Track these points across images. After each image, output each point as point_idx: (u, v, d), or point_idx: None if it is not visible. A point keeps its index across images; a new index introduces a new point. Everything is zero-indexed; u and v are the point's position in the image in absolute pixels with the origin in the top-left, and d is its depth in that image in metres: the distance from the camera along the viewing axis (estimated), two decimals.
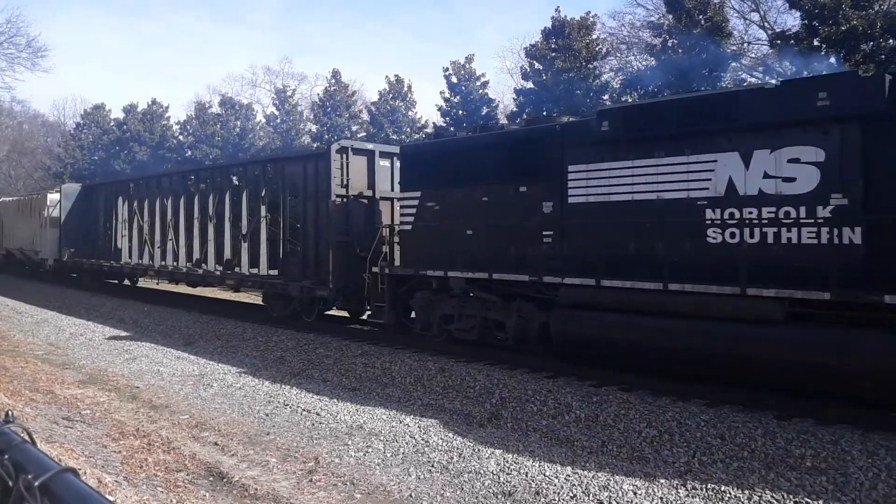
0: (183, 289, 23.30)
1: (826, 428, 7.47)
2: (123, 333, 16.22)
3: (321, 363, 12.29)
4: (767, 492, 6.32)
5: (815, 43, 20.32)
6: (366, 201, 15.20)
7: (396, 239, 13.75)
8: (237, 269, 17.57)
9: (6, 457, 1.68)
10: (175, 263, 20.32)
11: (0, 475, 1.65)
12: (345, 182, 14.79)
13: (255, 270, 17.04)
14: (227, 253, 18.27)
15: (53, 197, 26.82)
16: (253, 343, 14.30)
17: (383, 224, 14.45)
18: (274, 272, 16.62)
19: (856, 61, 19.10)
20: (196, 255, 19.43)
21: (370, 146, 15.86)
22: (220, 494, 6.67)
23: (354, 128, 36.80)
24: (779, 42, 21.77)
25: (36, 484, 1.51)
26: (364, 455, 7.80)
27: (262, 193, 17.07)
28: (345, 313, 16.47)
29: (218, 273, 18.45)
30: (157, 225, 21.32)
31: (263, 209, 16.94)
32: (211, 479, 7.11)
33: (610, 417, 8.44)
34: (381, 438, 8.30)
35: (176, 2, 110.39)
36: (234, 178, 18.85)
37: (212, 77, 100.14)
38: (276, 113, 40.56)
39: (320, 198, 15.20)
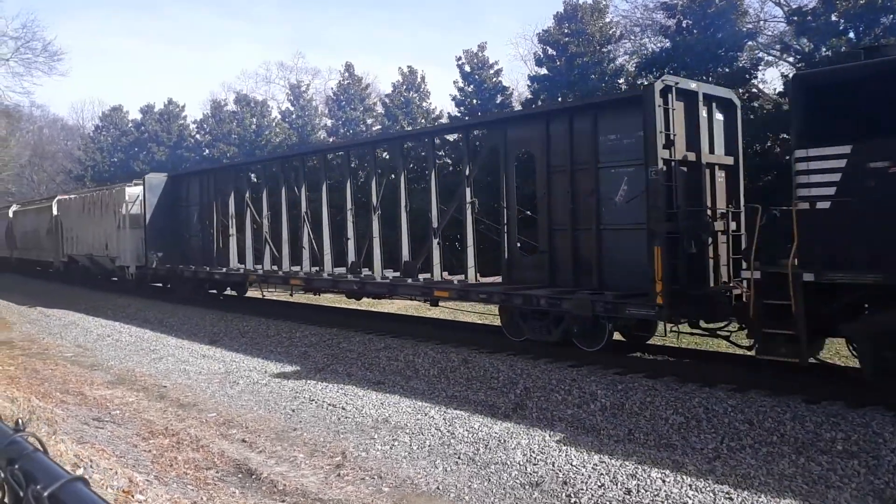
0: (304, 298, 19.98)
1: (856, 411, 7.38)
2: (149, 333, 16.41)
3: (345, 357, 12.35)
4: (798, 477, 6.27)
5: (833, 18, 19.95)
6: (685, 169, 10.15)
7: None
8: (428, 276, 13.55)
9: (17, 466, 1.69)
10: (315, 269, 16.55)
11: (11, 485, 1.67)
12: (671, 139, 9.91)
13: (450, 276, 13.85)
14: (405, 253, 14.28)
15: (133, 191, 22.80)
16: (277, 339, 14.40)
17: (742, 205, 10.43)
18: (492, 279, 13.18)
19: (875, 35, 18.74)
20: (351, 256, 15.50)
21: (693, 85, 10.60)
22: (250, 491, 6.74)
23: (370, 120, 36.78)
24: (795, 19, 21.39)
25: (45, 494, 1.52)
26: (390, 448, 7.84)
27: (467, 171, 13.04)
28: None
29: (389, 280, 14.25)
30: (285, 220, 17.33)
31: (468, 192, 12.93)
32: (240, 475, 7.19)
33: (636, 405, 8.41)
34: (407, 431, 8.34)
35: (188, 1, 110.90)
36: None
37: (227, 75, 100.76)
38: (292, 108, 40.62)
39: (583, 170, 10.88)
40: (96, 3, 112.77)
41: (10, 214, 37.29)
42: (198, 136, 45.66)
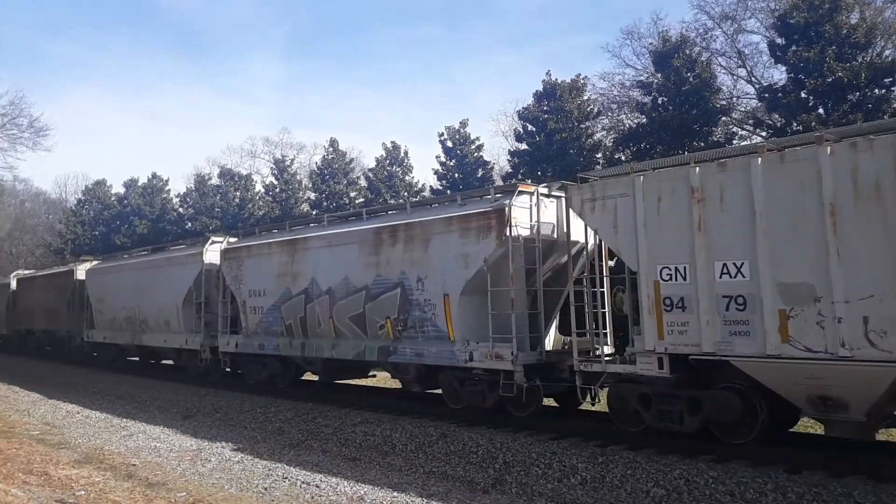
0: None
1: (838, 480, 7.25)
2: (120, 409, 15.97)
3: (320, 433, 12.04)
4: None
5: (803, 95, 20.69)
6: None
7: None
8: None
9: None
10: None
11: None
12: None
13: None
14: None
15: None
16: (251, 415, 14.05)
17: None
18: None
19: (843, 111, 19.41)
20: None
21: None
22: None
23: (353, 193, 37.17)
24: (766, 96, 22.16)
25: None
26: None
27: None
28: None
29: None
30: None
31: None
32: None
33: (616, 478, 8.20)
34: None
35: (177, 78, 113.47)
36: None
37: (212, 149, 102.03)
38: (275, 182, 41.02)
39: None
40: (90, 82, 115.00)
41: None
42: (181, 209, 45.80)
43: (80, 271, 25.89)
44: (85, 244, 47.38)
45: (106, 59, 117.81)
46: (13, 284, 34.00)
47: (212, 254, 18.31)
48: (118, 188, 51.68)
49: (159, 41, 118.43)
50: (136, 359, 23.56)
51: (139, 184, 49.36)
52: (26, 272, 35.99)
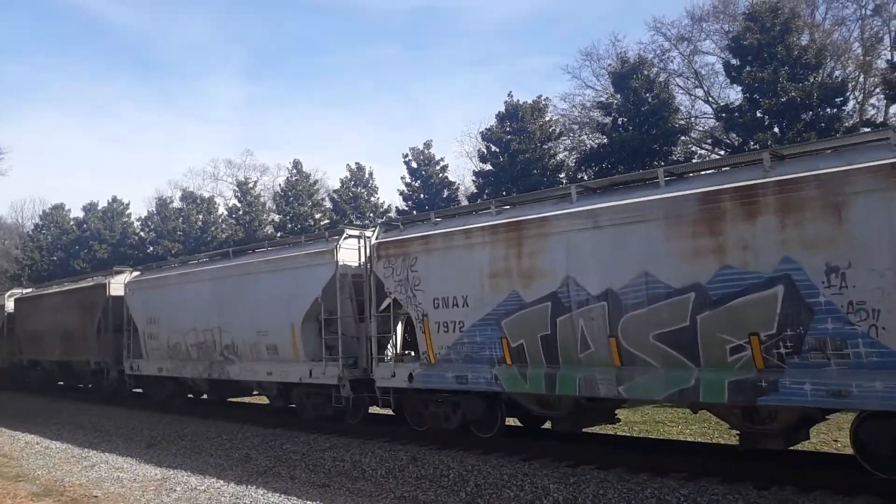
0: None
1: (807, 495, 7.37)
2: (82, 439, 15.55)
3: (288, 459, 11.86)
4: None
5: (759, 115, 21.25)
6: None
7: None
8: None
9: None
10: None
11: None
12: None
13: None
14: None
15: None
16: (217, 441, 13.80)
17: None
18: None
19: (798, 130, 19.98)
20: None
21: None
22: None
23: (318, 215, 36.98)
24: (723, 115, 22.71)
25: None
26: None
27: None
28: None
29: None
30: None
31: None
32: None
33: (588, 498, 8.22)
34: None
35: (135, 100, 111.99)
36: None
37: (173, 172, 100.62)
38: (238, 205, 40.64)
39: None
40: (47, 105, 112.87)
41: None
42: (142, 233, 45.06)
43: (116, 285, 20.82)
44: (43, 270, 46.27)
45: (60, 81, 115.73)
46: (9, 306, 27.86)
47: (347, 251, 13.63)
48: (77, 212, 50.70)
49: (115, 63, 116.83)
50: (206, 397, 18.93)
51: (99, 207, 48.46)
52: (26, 290, 29.76)
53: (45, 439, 15.94)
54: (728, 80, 23.97)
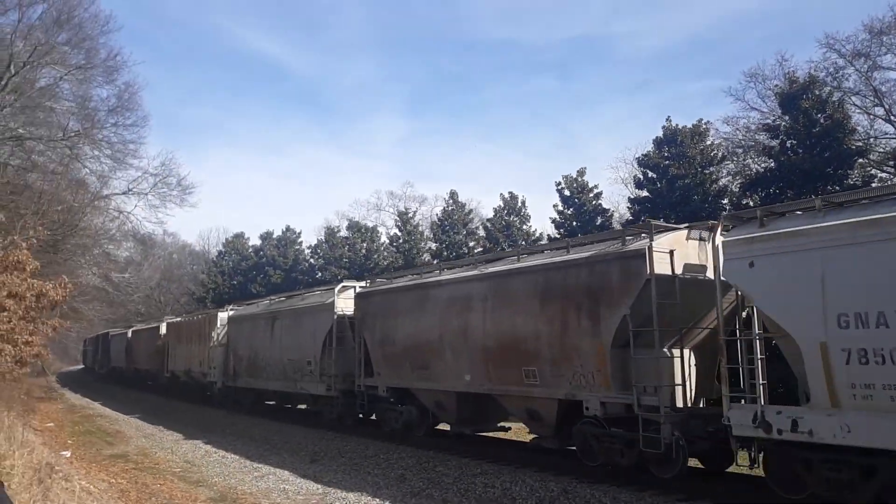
0: None
1: None
2: (253, 451, 16.79)
3: (440, 482, 12.15)
4: None
5: None
6: None
7: None
8: None
9: None
10: None
11: None
12: None
13: None
14: None
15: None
16: (374, 461, 14.39)
17: None
18: None
19: None
20: None
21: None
22: None
23: (472, 243, 37.69)
24: None
25: None
26: None
27: None
28: None
29: None
30: None
31: None
32: None
33: None
34: None
35: (307, 140, 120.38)
36: None
37: (340, 203, 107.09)
38: (399, 234, 42.31)
39: None
40: (227, 143, 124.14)
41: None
42: (311, 259, 48.06)
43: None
44: (224, 293, 50.53)
45: (241, 122, 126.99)
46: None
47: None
48: (255, 240, 55.11)
49: (289, 104, 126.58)
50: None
51: (273, 236, 52.38)
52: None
53: (220, 449, 17.38)
54: None
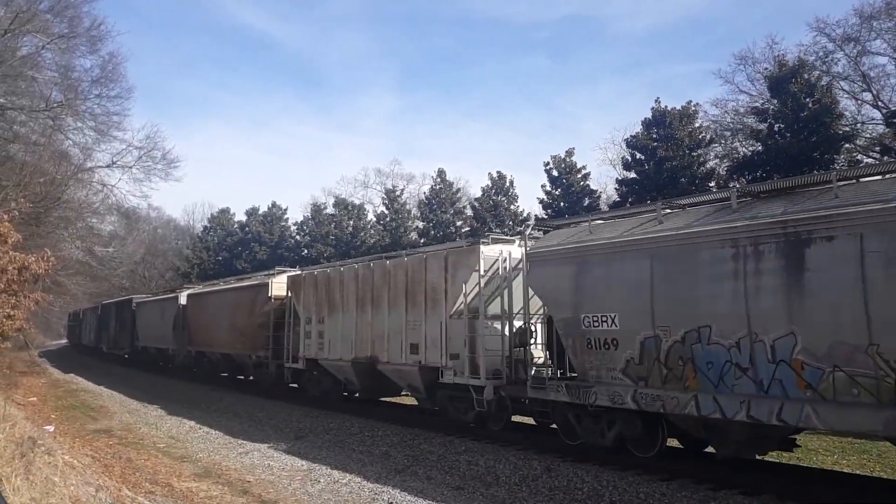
0: None
1: None
2: (238, 427, 16.78)
3: (425, 459, 12.21)
4: None
5: None
6: None
7: None
8: None
9: None
10: None
11: None
12: None
13: None
14: None
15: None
16: (359, 438, 14.43)
17: None
18: None
19: None
20: None
21: None
22: None
23: (459, 223, 37.69)
24: (895, 121, 20.86)
25: None
26: None
27: None
28: None
29: None
30: None
31: None
32: None
33: None
34: None
35: (294, 113, 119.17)
36: None
37: (327, 180, 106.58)
38: (386, 212, 42.20)
39: None
40: (214, 116, 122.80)
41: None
42: (298, 236, 47.88)
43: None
44: (209, 268, 50.33)
45: (227, 96, 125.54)
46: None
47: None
48: (240, 216, 54.79)
49: (276, 78, 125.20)
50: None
51: (259, 212, 52.07)
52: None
53: (204, 426, 17.36)
54: None
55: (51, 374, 35.02)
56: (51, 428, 16.09)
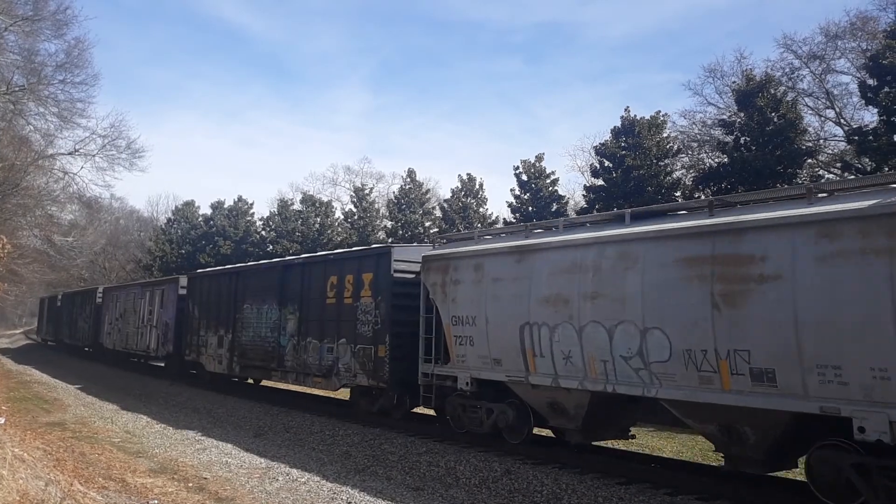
0: None
1: None
2: (196, 423, 16.53)
3: (386, 460, 12.15)
4: None
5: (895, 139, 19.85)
6: None
7: None
8: None
9: None
10: None
11: None
12: None
13: None
14: None
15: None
16: (320, 436, 14.31)
17: None
18: None
19: None
20: None
21: None
22: None
23: (427, 224, 37.63)
24: (856, 138, 21.37)
25: None
26: None
27: None
28: None
29: None
30: None
31: None
32: None
33: None
34: None
35: (266, 106, 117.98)
36: None
37: (295, 175, 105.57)
38: (354, 210, 41.96)
39: None
40: (185, 107, 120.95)
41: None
42: (263, 232, 47.33)
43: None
44: (171, 262, 49.49)
45: (199, 87, 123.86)
46: None
47: None
48: (205, 209, 53.96)
49: (250, 71, 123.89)
50: None
51: (225, 206, 51.36)
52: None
53: (161, 421, 17.06)
54: (863, 102, 22.51)
55: (3, 365, 34.14)
56: (1, 420, 15.65)
